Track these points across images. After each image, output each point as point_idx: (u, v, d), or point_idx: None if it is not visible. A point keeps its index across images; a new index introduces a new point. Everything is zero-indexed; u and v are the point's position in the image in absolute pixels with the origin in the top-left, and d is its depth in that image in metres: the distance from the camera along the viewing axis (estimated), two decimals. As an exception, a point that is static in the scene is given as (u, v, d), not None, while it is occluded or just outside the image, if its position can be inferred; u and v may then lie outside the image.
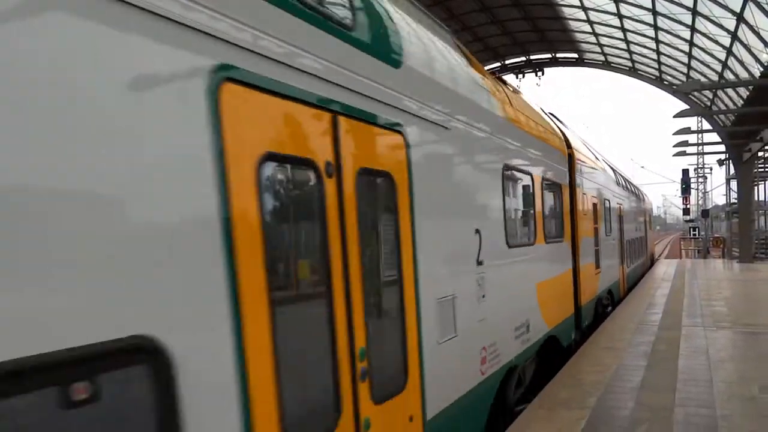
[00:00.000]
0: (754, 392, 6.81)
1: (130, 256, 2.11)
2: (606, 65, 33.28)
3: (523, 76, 31.61)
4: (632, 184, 25.57)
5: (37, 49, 1.89)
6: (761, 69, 20.41)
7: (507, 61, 33.30)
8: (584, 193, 11.48)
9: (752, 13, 17.78)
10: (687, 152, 36.56)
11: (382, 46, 4.27)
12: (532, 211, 8.00)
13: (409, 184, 4.40)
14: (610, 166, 17.85)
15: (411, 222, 4.41)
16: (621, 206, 17.90)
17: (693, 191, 52.63)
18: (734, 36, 20.04)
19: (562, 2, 25.31)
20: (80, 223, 1.97)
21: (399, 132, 4.32)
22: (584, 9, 25.14)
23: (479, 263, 5.78)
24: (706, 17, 20.30)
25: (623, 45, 28.80)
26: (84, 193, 2.00)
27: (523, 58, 33.46)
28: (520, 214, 7.72)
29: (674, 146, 32.50)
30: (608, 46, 29.99)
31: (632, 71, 32.73)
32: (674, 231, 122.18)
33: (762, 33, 18.30)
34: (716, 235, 46.94)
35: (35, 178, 1.86)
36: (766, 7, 16.77)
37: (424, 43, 5.14)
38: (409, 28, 4.92)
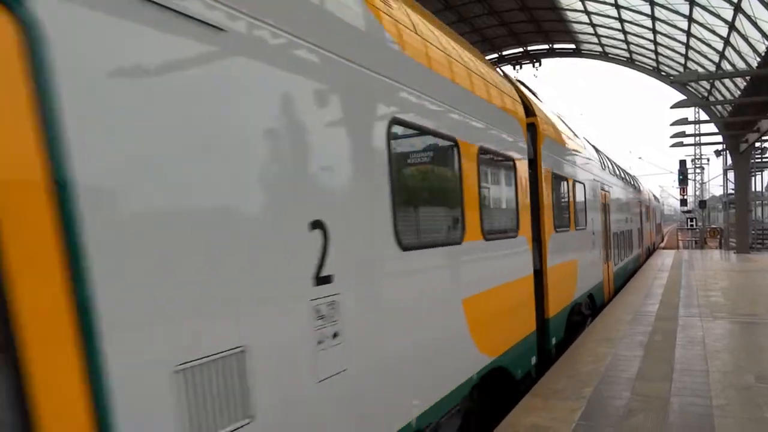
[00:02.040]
0: (750, 382, 6.86)
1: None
2: (603, 56, 33.16)
3: (521, 67, 31.51)
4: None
5: None
6: (758, 59, 20.37)
7: (504, 53, 33.19)
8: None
9: (750, 3, 17.71)
10: (684, 143, 36.54)
11: None
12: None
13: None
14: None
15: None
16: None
17: (690, 182, 52.60)
18: (732, 26, 19.98)
19: (559, -7, 25.20)
20: None
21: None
22: (581, -1, 25.03)
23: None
24: (704, 7, 20.23)
25: (620, 35, 28.68)
26: None
27: (521, 49, 33.32)
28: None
29: (671, 137, 32.53)
30: (605, 36, 29.87)
31: (630, 62, 32.62)
32: (671, 222, 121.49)
33: (759, 23, 18.25)
34: (712, 226, 47.01)
35: None
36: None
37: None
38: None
